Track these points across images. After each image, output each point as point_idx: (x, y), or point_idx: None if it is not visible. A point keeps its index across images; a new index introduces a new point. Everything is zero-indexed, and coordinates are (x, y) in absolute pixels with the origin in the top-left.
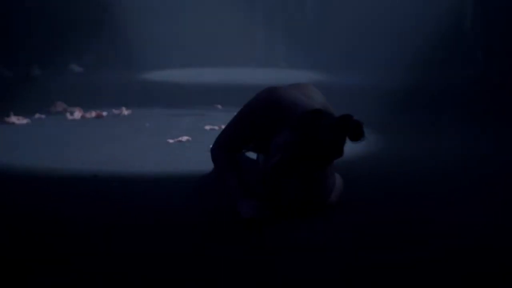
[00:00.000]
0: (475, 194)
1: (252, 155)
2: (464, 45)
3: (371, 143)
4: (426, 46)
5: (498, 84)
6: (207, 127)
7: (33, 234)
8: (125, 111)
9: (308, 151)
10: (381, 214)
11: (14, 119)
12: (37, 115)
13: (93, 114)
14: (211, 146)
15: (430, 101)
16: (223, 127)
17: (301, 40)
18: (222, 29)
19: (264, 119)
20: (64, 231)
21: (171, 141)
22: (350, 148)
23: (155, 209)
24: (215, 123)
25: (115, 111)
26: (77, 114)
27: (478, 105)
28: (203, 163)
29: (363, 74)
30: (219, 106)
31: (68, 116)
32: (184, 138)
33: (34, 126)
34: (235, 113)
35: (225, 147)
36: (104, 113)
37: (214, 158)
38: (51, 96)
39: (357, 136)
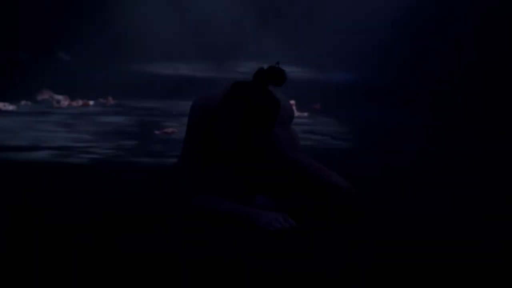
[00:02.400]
0: (455, 190)
1: None
2: (450, 44)
3: (357, 139)
4: (416, 45)
5: (485, 86)
6: None
7: (17, 219)
8: (112, 101)
9: (255, 115)
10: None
11: (0, 105)
12: (23, 102)
13: (80, 102)
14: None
15: (417, 100)
16: None
17: (290, 35)
18: (213, 22)
19: (204, 123)
20: (47, 218)
21: (157, 132)
22: (333, 144)
23: (135, 199)
24: None
25: (102, 100)
26: (64, 102)
27: (465, 105)
28: None
29: (351, 71)
30: None
31: (55, 103)
32: (170, 129)
33: (20, 113)
34: None
35: (195, 177)
36: (91, 102)
37: (200, 205)
38: (38, 83)
39: (280, 79)
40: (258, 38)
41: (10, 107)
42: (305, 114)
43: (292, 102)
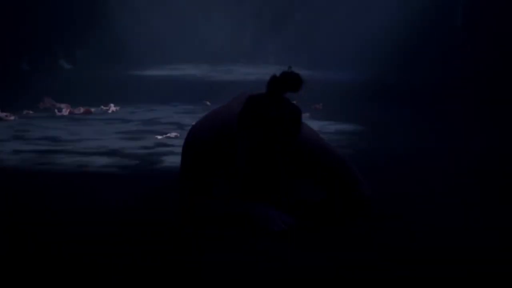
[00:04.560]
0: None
1: None
2: (453, 41)
3: (358, 136)
4: (414, 42)
5: (485, 81)
6: None
7: (19, 226)
8: (114, 108)
9: (277, 133)
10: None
11: (1, 115)
12: (25, 111)
13: (81, 110)
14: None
15: (416, 97)
16: None
17: (290, 36)
18: (212, 26)
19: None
20: (52, 224)
21: (159, 137)
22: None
23: (140, 204)
24: None
25: (104, 108)
26: (65, 110)
27: (463, 100)
28: None
29: (351, 71)
30: (208, 103)
31: (56, 112)
32: (173, 134)
33: (22, 122)
34: None
35: (196, 186)
36: (93, 109)
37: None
38: (39, 92)
39: (296, 85)
40: (259, 40)
41: (12, 117)
42: (307, 114)
43: (293, 102)
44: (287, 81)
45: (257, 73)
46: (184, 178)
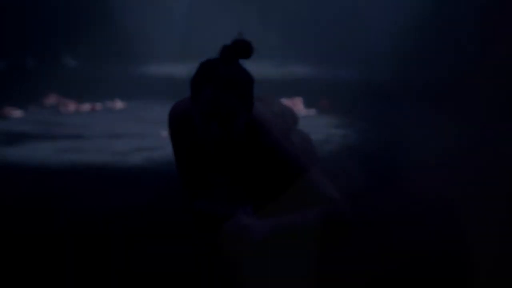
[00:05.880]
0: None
1: None
2: (455, 37)
3: (360, 134)
4: (416, 37)
5: (489, 78)
6: None
7: (27, 223)
8: (119, 104)
9: (228, 92)
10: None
11: (7, 111)
12: (31, 107)
13: (87, 106)
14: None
15: (418, 94)
16: None
17: (296, 32)
18: (217, 21)
19: (183, 130)
20: (59, 221)
21: (164, 133)
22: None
23: (146, 201)
24: None
25: (109, 104)
26: (71, 106)
27: (467, 98)
28: None
29: (354, 67)
30: None
31: (62, 108)
32: None
33: (28, 118)
34: None
35: (193, 185)
36: (98, 106)
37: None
38: (45, 88)
39: (247, 51)
40: (263, 36)
41: (18, 113)
42: (313, 111)
43: (299, 99)
44: (238, 48)
45: (263, 70)
46: (182, 179)
